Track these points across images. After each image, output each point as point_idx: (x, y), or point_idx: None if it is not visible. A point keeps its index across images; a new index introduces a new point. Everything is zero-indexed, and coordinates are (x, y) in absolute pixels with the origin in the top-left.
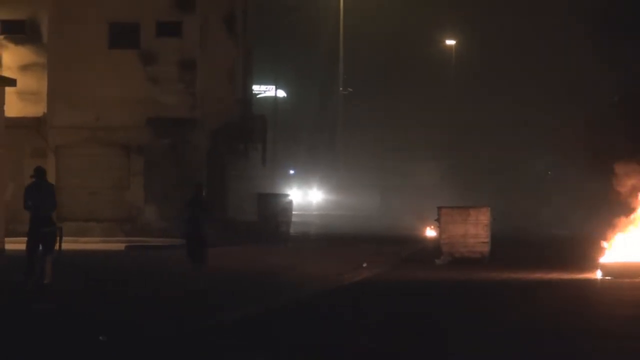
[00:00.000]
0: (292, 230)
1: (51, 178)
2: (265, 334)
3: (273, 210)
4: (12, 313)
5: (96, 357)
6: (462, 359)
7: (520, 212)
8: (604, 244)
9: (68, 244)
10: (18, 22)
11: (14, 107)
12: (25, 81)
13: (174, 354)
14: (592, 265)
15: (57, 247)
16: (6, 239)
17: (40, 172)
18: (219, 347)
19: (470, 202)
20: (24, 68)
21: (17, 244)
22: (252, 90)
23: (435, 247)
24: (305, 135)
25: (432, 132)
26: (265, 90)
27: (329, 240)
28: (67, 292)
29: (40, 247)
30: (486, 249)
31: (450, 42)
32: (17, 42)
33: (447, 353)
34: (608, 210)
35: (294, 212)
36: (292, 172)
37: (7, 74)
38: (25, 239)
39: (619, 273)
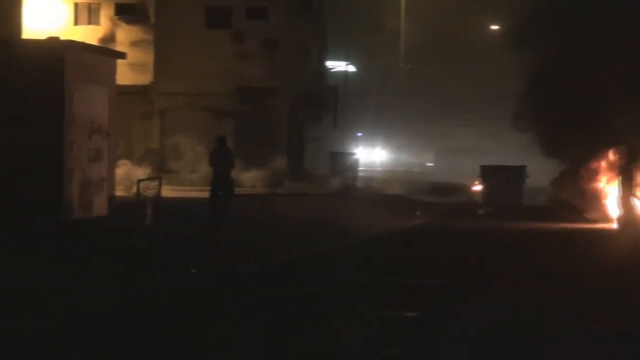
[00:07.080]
0: (358, 183)
1: (156, 137)
2: (333, 266)
3: (342, 166)
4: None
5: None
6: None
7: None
8: None
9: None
10: (130, 5)
11: (125, 77)
12: (135, 54)
13: (264, 282)
14: None
15: (158, 193)
16: None
17: (221, 140)
18: (286, 282)
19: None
20: (134, 44)
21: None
22: (326, 64)
23: (479, 199)
24: (371, 103)
25: (479, 104)
26: (338, 66)
27: (388, 192)
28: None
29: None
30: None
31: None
32: (128, 22)
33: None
34: None
35: (360, 169)
36: (359, 134)
37: (119, 48)
38: None
39: None
